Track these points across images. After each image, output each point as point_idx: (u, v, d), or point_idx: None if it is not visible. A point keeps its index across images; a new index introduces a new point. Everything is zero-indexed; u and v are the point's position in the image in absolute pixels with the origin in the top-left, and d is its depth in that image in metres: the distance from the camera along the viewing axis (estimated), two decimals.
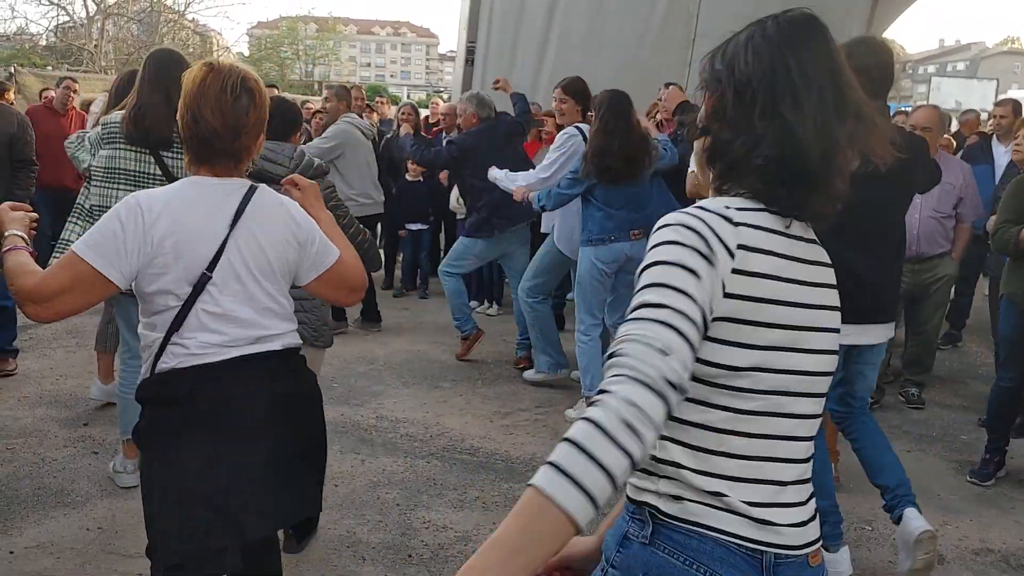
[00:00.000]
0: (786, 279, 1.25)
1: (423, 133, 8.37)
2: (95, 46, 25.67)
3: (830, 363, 1.32)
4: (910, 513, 3.15)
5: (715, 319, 1.20)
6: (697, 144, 1.38)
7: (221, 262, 1.96)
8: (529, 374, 5.43)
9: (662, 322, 1.11)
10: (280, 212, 2.07)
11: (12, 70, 12.47)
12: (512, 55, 8.49)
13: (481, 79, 8.52)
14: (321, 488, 2.24)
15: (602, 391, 1.07)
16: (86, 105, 8.17)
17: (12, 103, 8.31)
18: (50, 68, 19.09)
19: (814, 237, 1.34)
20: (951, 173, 4.92)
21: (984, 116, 14.16)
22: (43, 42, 28.20)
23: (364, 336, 6.37)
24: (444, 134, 8.22)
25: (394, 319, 6.85)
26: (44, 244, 7.57)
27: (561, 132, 5.12)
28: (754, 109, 1.26)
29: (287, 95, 13.07)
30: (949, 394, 5.51)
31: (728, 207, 1.25)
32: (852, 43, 2.98)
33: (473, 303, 7.42)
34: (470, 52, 8.77)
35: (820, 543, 1.31)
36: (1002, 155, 6.41)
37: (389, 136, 8.19)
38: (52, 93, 8.42)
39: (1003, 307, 4.17)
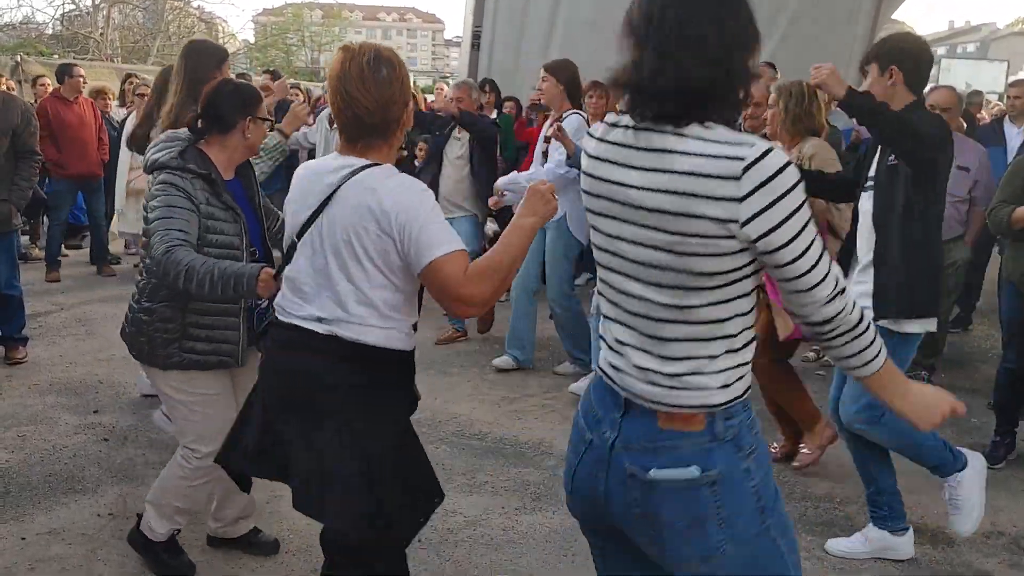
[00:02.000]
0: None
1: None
2: (101, 34, 25.63)
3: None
4: (911, 534, 3.26)
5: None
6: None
7: (306, 233, 2.09)
8: (562, 368, 5.32)
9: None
10: (363, 196, 2.00)
11: (18, 59, 12.45)
12: (519, 40, 8.46)
13: (487, 64, 8.48)
14: (343, 499, 2.08)
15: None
16: (95, 93, 8.17)
17: (13, 89, 8.34)
18: (56, 56, 19.06)
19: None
20: (967, 156, 4.87)
21: (993, 98, 14.05)
22: (49, 31, 28.19)
23: None
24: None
25: None
26: (57, 232, 7.61)
27: (568, 120, 5.05)
28: (649, 47, 1.52)
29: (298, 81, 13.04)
30: (959, 377, 5.48)
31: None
32: (891, 34, 3.15)
33: None
34: (476, 37, 8.72)
35: (676, 411, 1.55)
36: (1015, 136, 6.35)
37: None
38: (47, 81, 8.44)
39: (1005, 290, 4.16)
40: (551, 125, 4.98)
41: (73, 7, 27.24)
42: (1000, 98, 15.44)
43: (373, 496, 2.09)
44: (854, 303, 1.52)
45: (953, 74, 24.32)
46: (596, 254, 1.64)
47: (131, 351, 2.87)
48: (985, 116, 8.53)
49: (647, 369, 1.54)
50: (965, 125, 7.10)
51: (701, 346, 1.51)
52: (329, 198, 2.04)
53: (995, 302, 6.24)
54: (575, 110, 5.05)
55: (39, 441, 4.02)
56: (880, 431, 3.05)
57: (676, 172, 1.44)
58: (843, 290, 1.50)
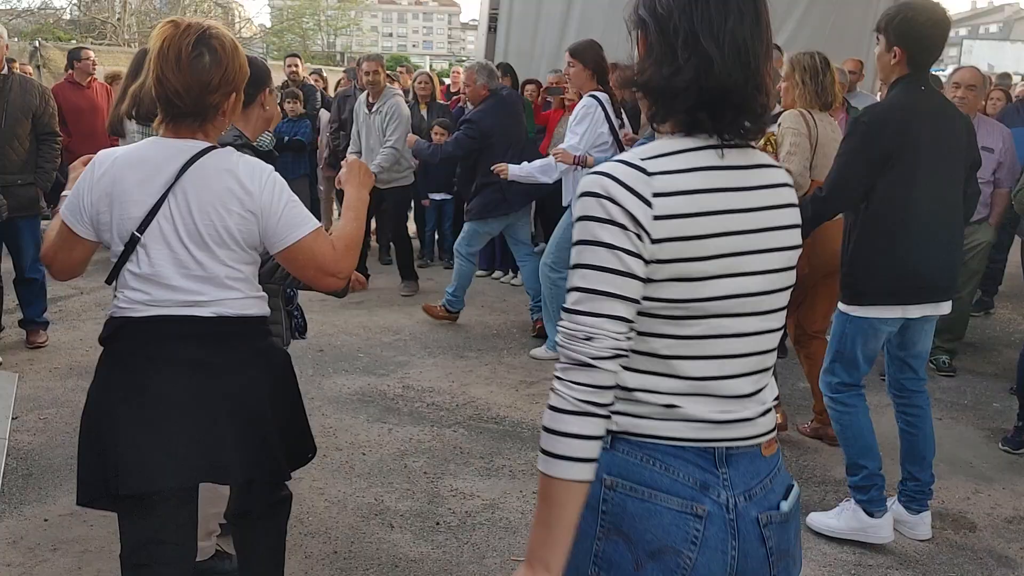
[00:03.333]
0: (715, 212, 1.29)
1: (441, 101, 8.33)
2: (118, 19, 25.72)
3: (780, 280, 1.38)
4: (927, 517, 3.26)
5: (650, 262, 1.27)
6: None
7: (152, 225, 1.97)
8: (538, 352, 5.34)
9: (585, 312, 1.26)
10: (223, 178, 1.97)
11: (37, 44, 12.52)
12: (535, 23, 8.39)
13: (504, 47, 8.43)
14: (250, 458, 2.08)
15: (555, 377, 1.27)
16: (111, 79, 8.20)
17: (31, 74, 8.37)
18: (74, 42, 19.14)
19: (758, 162, 1.38)
20: (991, 137, 4.82)
21: (1017, 80, 13.86)
22: (67, 16, 28.33)
23: (389, 307, 6.38)
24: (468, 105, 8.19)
25: (419, 290, 6.85)
26: None
27: (579, 105, 5.05)
28: (676, 41, 1.30)
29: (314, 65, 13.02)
30: (981, 361, 5.44)
31: (644, 157, 1.30)
32: (907, 6, 3.00)
33: (498, 273, 7.44)
34: (493, 20, 8.67)
35: (774, 433, 1.42)
36: None
37: (410, 105, 8.14)
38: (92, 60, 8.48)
39: None
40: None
41: None
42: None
43: (284, 443, 2.19)
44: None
45: (975, 55, 23.99)
46: (692, 307, 1.31)
47: None
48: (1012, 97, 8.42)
49: (767, 402, 1.41)
50: (1006, 102, 6.94)
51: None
52: (172, 186, 1.96)
53: (1018, 285, 6.18)
54: (596, 91, 4.99)
55: (61, 424, 4.06)
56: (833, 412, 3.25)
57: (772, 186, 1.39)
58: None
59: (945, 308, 3.12)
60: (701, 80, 1.28)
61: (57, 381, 4.63)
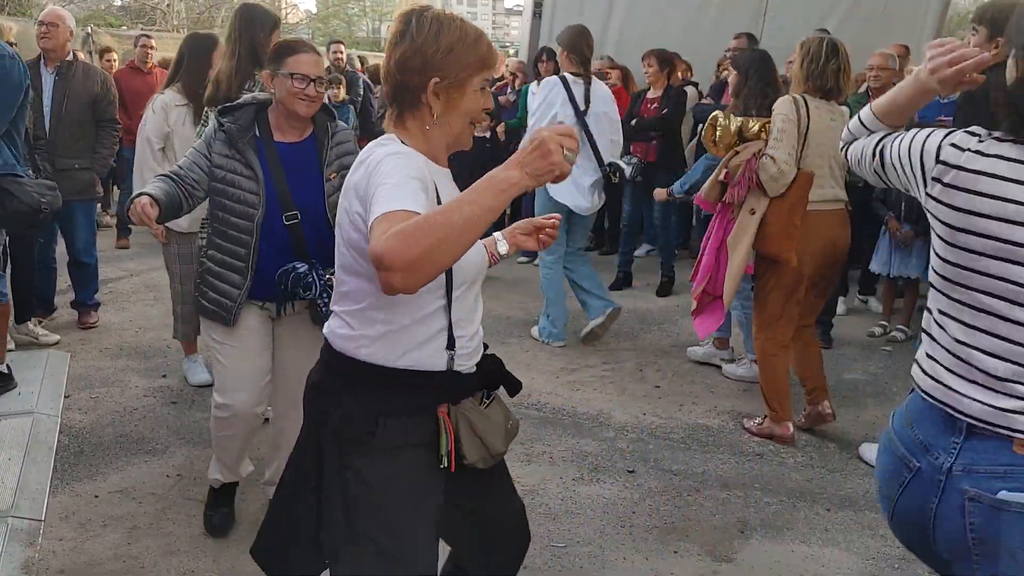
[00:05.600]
0: (1002, 198, 1.44)
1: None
2: (168, 5, 26.06)
3: None
4: None
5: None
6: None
7: None
8: (534, 331, 5.43)
9: None
10: (351, 175, 1.78)
11: (89, 30, 12.73)
12: (580, 7, 8.34)
13: (549, 33, 8.39)
14: None
15: None
16: (166, 64, 8.35)
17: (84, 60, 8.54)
18: (124, 28, 19.45)
19: None
20: None
21: None
22: (118, 2, 28.78)
23: None
24: (509, 89, 8.16)
25: None
26: (127, 199, 7.81)
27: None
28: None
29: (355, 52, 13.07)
30: None
31: (978, 137, 1.52)
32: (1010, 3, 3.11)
33: (539, 261, 7.42)
34: (538, 6, 8.64)
35: None
36: None
37: None
38: (115, 55, 8.69)
39: None
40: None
41: None
42: None
43: None
44: None
45: None
46: (954, 273, 1.54)
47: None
48: None
49: None
50: None
51: None
52: None
53: None
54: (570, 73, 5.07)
55: (111, 403, 4.15)
56: None
57: None
58: None
59: None
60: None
61: (107, 361, 4.74)
